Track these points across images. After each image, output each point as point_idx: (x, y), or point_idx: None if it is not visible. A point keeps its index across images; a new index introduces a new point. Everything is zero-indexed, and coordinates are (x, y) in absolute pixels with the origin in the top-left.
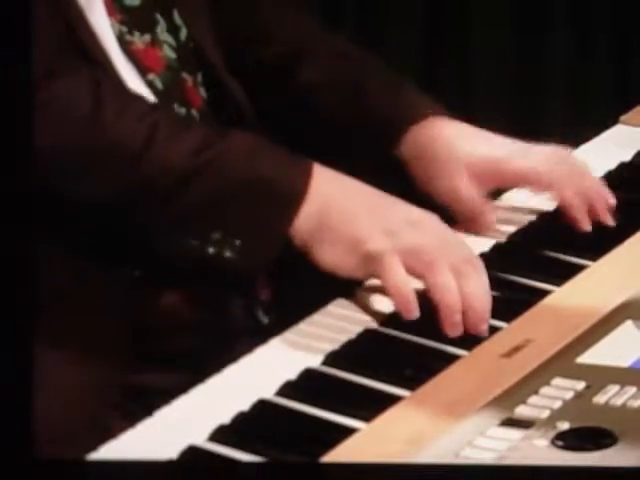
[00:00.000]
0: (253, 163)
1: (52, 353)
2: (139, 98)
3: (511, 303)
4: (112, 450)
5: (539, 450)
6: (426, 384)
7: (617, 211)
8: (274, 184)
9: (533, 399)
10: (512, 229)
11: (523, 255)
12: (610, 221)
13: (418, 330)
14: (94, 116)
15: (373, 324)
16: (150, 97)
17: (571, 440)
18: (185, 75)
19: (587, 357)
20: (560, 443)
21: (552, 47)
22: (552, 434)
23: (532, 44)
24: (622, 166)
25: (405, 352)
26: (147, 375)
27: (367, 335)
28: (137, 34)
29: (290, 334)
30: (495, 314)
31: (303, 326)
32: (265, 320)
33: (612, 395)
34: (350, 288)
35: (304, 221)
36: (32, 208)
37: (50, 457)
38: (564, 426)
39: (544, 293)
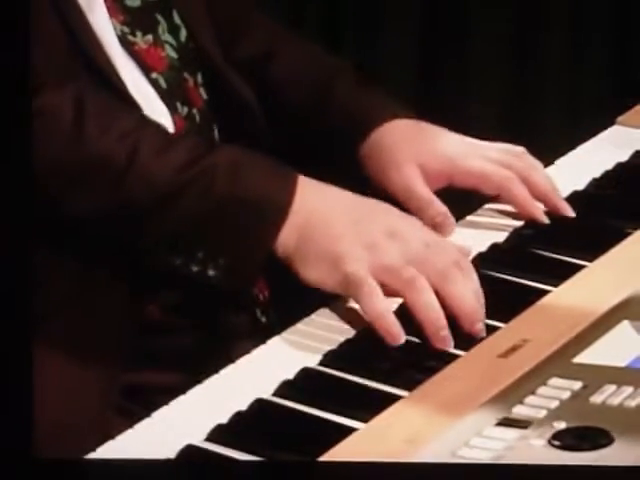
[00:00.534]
0: (236, 180)
1: (51, 353)
2: (124, 114)
3: (508, 303)
4: (110, 450)
5: (536, 450)
6: (423, 384)
7: (615, 211)
8: (258, 200)
9: (530, 399)
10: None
11: (520, 255)
12: (569, 212)
13: (415, 330)
14: (76, 132)
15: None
16: (155, 95)
17: (568, 440)
18: (186, 75)
19: (584, 357)
20: (557, 443)
21: (549, 47)
22: (549, 434)
23: (529, 44)
24: (619, 166)
25: (403, 352)
26: (145, 375)
27: (365, 335)
28: (139, 34)
29: (288, 334)
30: (492, 314)
31: (301, 326)
32: (263, 320)
33: (609, 395)
34: None
35: (287, 236)
36: (33, 211)
37: (50, 457)
38: (561, 426)
39: (541, 293)
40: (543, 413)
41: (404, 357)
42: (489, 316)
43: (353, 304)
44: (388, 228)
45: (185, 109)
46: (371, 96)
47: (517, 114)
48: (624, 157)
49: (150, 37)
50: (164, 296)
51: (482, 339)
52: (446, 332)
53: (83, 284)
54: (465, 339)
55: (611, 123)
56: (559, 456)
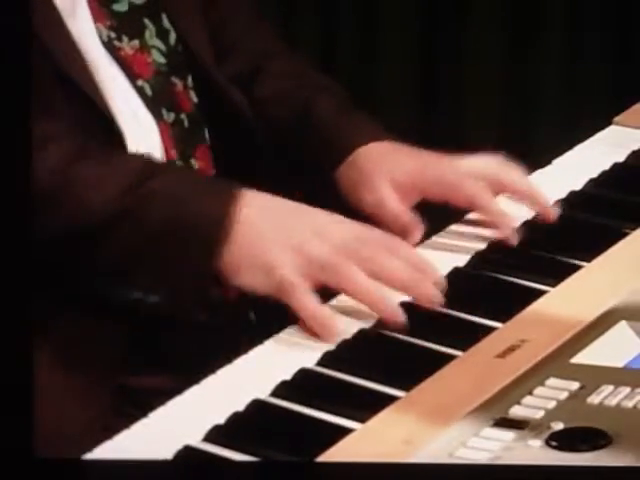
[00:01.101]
0: (175, 206)
1: (49, 355)
2: (64, 143)
3: (506, 303)
4: (108, 450)
5: (533, 450)
6: (421, 384)
7: (612, 211)
8: (195, 225)
9: (527, 399)
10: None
11: (517, 255)
12: (552, 209)
13: (412, 330)
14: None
15: (369, 324)
16: (139, 103)
17: (565, 440)
18: (175, 79)
19: (581, 357)
20: (554, 443)
21: (546, 48)
22: (546, 434)
23: (527, 44)
24: (616, 166)
25: (400, 352)
26: (142, 376)
27: (362, 335)
28: (125, 39)
29: (285, 335)
30: (490, 314)
31: (298, 326)
32: (254, 319)
33: (606, 395)
34: None
35: (227, 254)
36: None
37: (50, 457)
38: (558, 426)
39: (538, 294)
40: (540, 414)
41: (402, 357)
42: (487, 316)
43: (351, 303)
44: (315, 228)
45: (172, 115)
46: (351, 119)
47: (515, 114)
48: (621, 157)
49: (136, 42)
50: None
51: (480, 339)
52: (392, 306)
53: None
54: (463, 339)
55: (608, 123)
56: (556, 456)
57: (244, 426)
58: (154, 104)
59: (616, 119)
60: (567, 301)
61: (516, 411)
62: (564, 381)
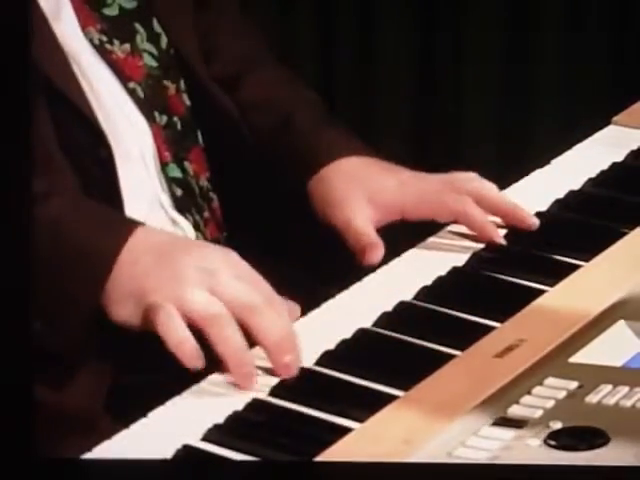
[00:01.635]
0: (63, 233)
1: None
2: None
3: (504, 303)
4: (108, 450)
5: (532, 449)
6: (419, 384)
7: (611, 211)
8: (81, 256)
9: (526, 399)
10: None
11: (516, 255)
12: (533, 221)
13: (411, 330)
14: None
15: (368, 323)
16: (132, 106)
17: (564, 439)
18: (167, 83)
19: (580, 357)
20: (553, 442)
21: (544, 47)
22: (545, 433)
23: (524, 44)
24: (615, 166)
25: (399, 352)
26: (141, 376)
27: (361, 335)
28: (117, 43)
29: None
30: (488, 314)
31: (296, 326)
32: None
33: (604, 395)
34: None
35: (107, 287)
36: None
37: (50, 457)
38: (557, 425)
39: (537, 293)
40: (539, 413)
41: (401, 357)
42: (486, 316)
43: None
44: (198, 262)
45: (164, 118)
46: (328, 133)
47: (514, 114)
48: (620, 157)
49: (128, 46)
50: None
51: (478, 339)
52: (249, 368)
53: None
54: (462, 339)
55: (607, 123)
56: (555, 456)
57: (243, 426)
58: (146, 107)
59: (615, 119)
60: (565, 301)
61: (515, 410)
62: (562, 380)
